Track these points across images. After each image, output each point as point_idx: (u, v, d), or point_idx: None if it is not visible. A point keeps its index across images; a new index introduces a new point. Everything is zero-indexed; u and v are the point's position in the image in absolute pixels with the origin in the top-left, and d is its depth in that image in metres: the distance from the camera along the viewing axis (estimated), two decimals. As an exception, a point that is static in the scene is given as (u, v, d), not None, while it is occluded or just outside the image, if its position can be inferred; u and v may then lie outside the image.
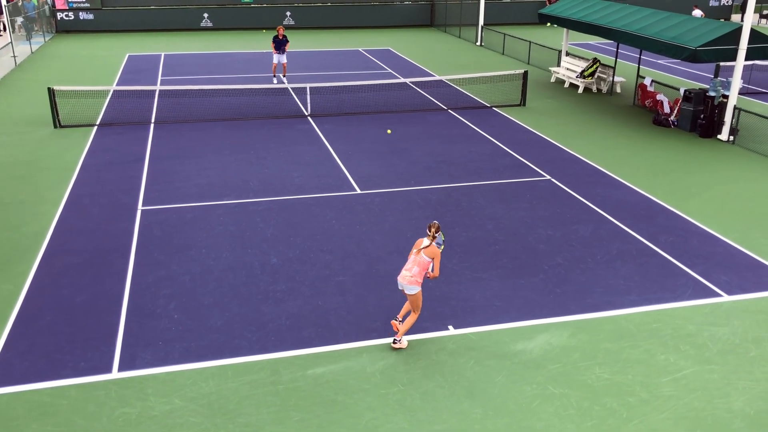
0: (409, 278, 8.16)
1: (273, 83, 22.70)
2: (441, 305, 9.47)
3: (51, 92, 17.91)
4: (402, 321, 8.56)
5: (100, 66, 27.05)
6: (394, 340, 8.44)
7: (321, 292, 9.82)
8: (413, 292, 8.20)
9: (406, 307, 8.62)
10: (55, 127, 18.10)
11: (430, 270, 8.28)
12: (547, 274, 10.35)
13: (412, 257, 8.26)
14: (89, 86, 20.20)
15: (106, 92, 22.00)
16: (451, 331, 8.89)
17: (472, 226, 12.05)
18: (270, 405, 7.49)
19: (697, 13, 34.46)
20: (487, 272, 10.39)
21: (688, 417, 7.32)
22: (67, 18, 36.20)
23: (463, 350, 8.48)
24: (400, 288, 8.34)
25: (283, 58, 23.18)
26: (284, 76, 23.61)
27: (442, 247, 8.53)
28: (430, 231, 8.22)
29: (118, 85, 23.53)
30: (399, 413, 7.38)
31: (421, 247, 8.18)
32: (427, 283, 10.03)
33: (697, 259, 10.89)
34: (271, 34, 37.09)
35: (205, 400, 7.56)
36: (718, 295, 9.82)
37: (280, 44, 22.85)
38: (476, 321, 9.10)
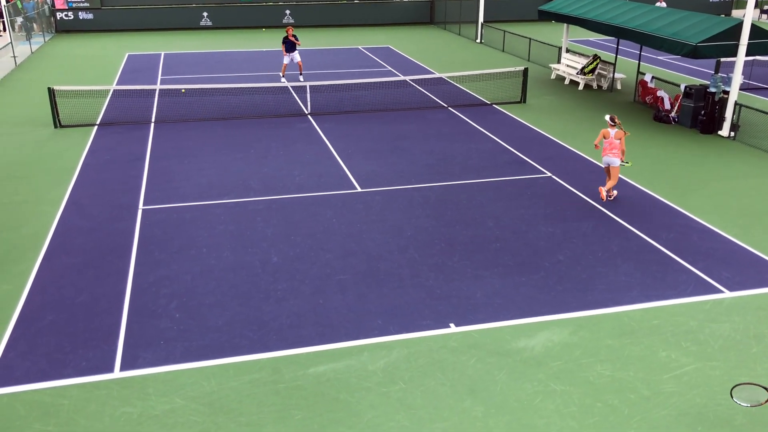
0: (617, 155, 12.45)
1: (281, 82, 22.70)
2: (442, 303, 9.47)
3: (51, 92, 17.92)
4: (607, 191, 12.77)
5: (99, 65, 27.05)
6: (608, 192, 12.78)
7: (322, 290, 9.82)
8: (618, 164, 12.51)
9: (608, 179, 12.77)
10: (56, 127, 18.11)
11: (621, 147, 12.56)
12: (548, 271, 10.35)
13: (607, 143, 12.43)
14: (89, 86, 20.20)
15: (106, 92, 22.00)
16: (453, 328, 8.89)
17: (472, 223, 12.04)
18: (271, 404, 7.49)
19: (662, 4, 34.56)
20: (488, 270, 10.39)
21: (690, 413, 7.32)
22: (66, 18, 36.21)
23: (464, 348, 8.48)
24: (605, 164, 12.66)
25: (296, 57, 23.27)
26: (300, 74, 23.73)
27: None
28: (615, 122, 12.30)
29: (118, 84, 23.53)
30: (400, 411, 7.38)
31: (612, 135, 12.33)
32: (426, 282, 10.03)
33: (698, 255, 10.88)
34: (271, 33, 37.13)
35: (206, 399, 7.56)
36: (720, 291, 9.81)
37: (289, 45, 22.92)
38: (477, 319, 9.09)
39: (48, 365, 8.15)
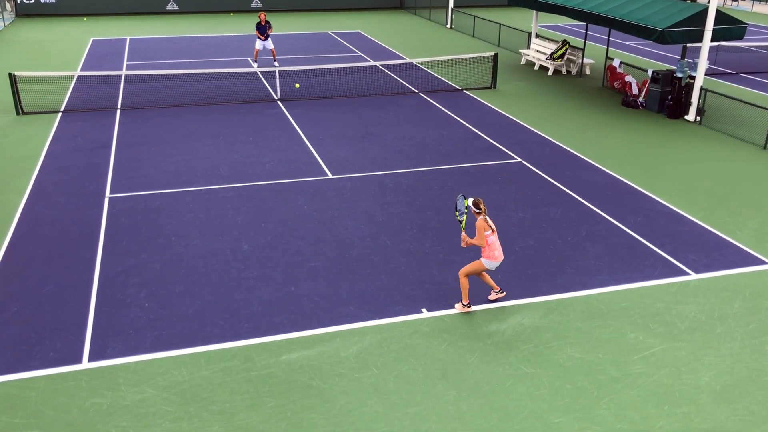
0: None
1: (253, 68, 22.42)
2: (414, 289, 9.49)
3: (12, 78, 17.46)
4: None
5: (63, 51, 26.42)
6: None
7: (293, 278, 9.77)
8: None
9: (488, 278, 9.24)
10: (18, 114, 17.67)
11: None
12: (519, 255, 10.43)
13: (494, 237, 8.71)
14: (52, 72, 19.73)
15: (70, 78, 21.51)
16: (425, 314, 8.92)
17: (444, 209, 12.07)
18: (244, 392, 7.46)
19: None
20: (460, 255, 10.43)
21: (657, 393, 7.47)
22: (27, 1, 35.24)
23: (436, 333, 8.53)
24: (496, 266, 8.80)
25: (269, 44, 23.15)
26: (275, 60, 23.56)
27: (464, 217, 8.90)
28: (480, 209, 8.61)
29: (82, 70, 23.02)
30: (373, 396, 7.40)
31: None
32: (398, 268, 10.04)
33: (665, 238, 11.06)
34: (239, 18, 36.59)
35: (177, 388, 7.50)
36: (686, 273, 10.00)
37: (263, 30, 22.74)
38: (449, 304, 9.14)
39: (14, 357, 7.99)
